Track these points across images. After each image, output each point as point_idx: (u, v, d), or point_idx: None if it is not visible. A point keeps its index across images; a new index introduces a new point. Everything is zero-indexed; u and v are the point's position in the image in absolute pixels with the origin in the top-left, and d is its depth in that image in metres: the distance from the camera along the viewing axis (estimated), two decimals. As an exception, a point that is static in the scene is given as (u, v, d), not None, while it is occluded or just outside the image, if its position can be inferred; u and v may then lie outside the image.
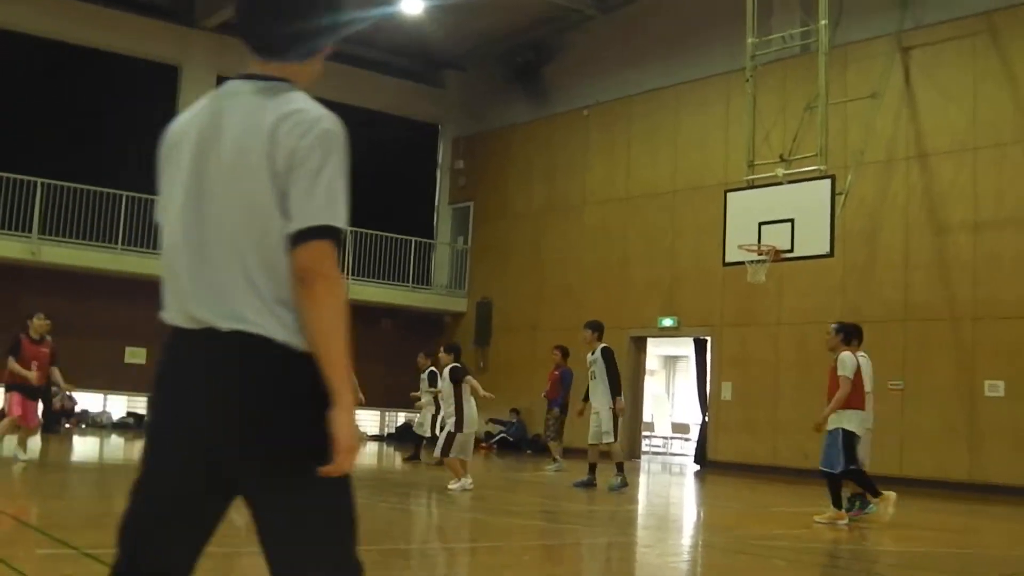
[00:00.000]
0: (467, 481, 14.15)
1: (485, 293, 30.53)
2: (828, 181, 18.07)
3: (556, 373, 20.15)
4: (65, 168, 25.34)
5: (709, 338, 24.75)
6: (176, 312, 2.99)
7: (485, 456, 23.96)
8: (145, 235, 26.35)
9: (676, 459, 29.46)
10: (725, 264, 19.38)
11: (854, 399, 12.22)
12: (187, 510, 2.99)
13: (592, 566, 8.90)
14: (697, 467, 24.31)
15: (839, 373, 12.24)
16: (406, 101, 31.76)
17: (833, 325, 13.27)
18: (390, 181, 31.07)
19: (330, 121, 3.02)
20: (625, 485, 15.75)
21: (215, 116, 3.03)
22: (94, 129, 26.66)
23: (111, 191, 25.72)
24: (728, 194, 19.58)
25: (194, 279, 2.95)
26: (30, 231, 24.74)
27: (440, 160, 33.07)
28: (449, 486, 14.02)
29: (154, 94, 28.14)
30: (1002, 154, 19.97)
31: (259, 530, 2.93)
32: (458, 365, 14.67)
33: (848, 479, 12.43)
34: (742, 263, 18.79)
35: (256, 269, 2.91)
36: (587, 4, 27.26)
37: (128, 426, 26.61)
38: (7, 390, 14.31)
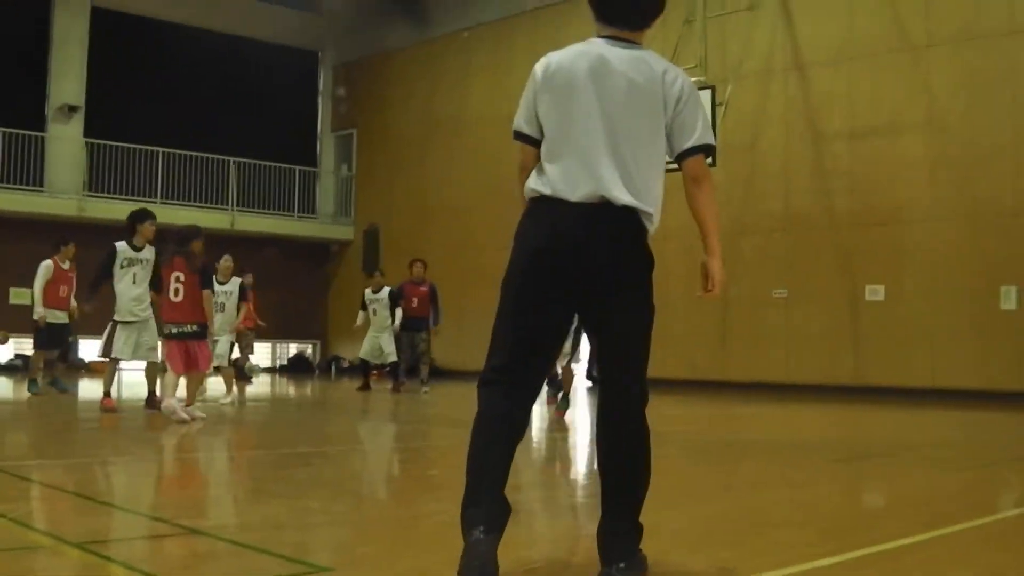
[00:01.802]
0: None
1: (372, 220, 30.47)
2: (708, 92, 18.32)
3: (424, 290, 19.36)
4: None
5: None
6: (575, 190, 4.10)
7: (376, 381, 23.98)
8: (23, 172, 25.89)
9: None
10: (609, 177, 19.52)
11: None
12: (550, 329, 4.19)
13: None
14: (589, 383, 24.46)
15: None
16: (285, 28, 31.42)
17: None
18: (271, 110, 30.91)
19: (686, 75, 4.32)
20: None
21: (601, 59, 4.19)
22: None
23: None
24: (611, 108, 19.69)
25: (600, 166, 4.09)
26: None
27: (321, 87, 32.83)
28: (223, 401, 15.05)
29: (26, 25, 27.56)
30: (877, 63, 20.36)
31: (601, 335, 4.19)
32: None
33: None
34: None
35: (641, 164, 4.13)
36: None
37: (16, 368, 26.13)
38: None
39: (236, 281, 15.95)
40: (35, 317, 16.17)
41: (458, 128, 28.12)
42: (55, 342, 16.73)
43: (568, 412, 13.48)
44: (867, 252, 20.25)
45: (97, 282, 12.99)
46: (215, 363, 15.01)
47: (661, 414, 13.47)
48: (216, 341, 14.11)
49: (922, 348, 19.39)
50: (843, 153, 20.72)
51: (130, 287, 12.91)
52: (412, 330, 19.39)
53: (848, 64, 20.71)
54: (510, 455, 4.13)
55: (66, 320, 16.60)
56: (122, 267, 12.92)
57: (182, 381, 12.20)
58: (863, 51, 20.53)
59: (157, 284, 12.63)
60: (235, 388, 16.07)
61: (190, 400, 12.13)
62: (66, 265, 16.39)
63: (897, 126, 20.04)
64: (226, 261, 15.82)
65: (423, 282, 19.35)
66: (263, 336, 25.85)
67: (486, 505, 3.98)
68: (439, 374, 25.55)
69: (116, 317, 12.94)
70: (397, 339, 19.66)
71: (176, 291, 11.97)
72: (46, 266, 16.13)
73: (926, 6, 19.85)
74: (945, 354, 19.10)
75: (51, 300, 16.15)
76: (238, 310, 16.14)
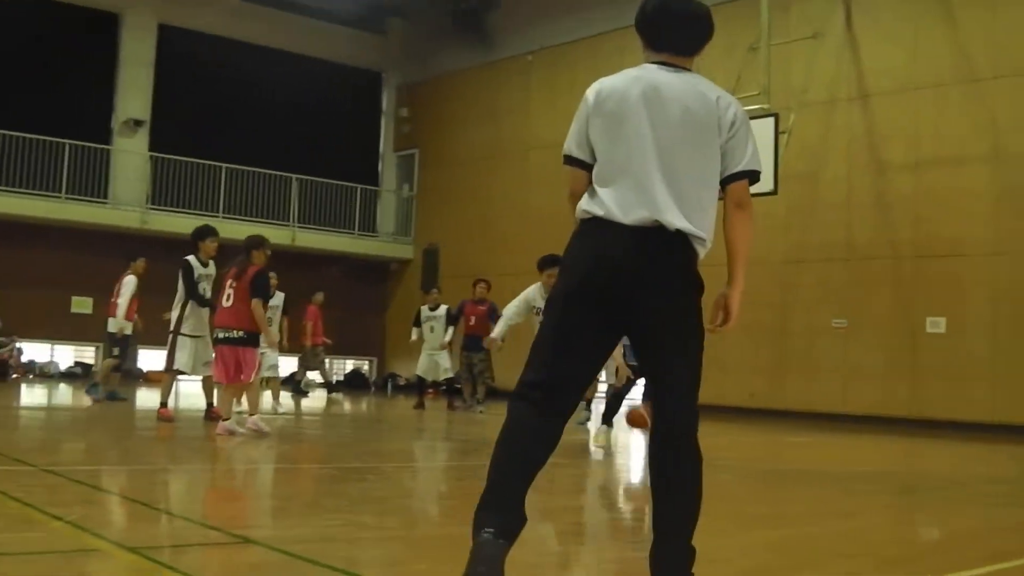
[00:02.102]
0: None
1: (431, 239, 30.59)
2: (771, 119, 18.22)
3: (483, 308, 19.22)
4: (5, 117, 25.06)
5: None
6: (628, 214, 4.10)
7: (432, 400, 24.04)
8: (89, 184, 26.19)
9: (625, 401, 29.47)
10: (670, 202, 19.48)
11: None
12: (592, 351, 4.21)
13: (540, 483, 9.05)
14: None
15: None
16: (349, 49, 31.63)
17: None
18: (335, 129, 31.10)
19: (738, 101, 4.33)
20: None
21: (653, 85, 4.22)
22: (34, 77, 26.38)
23: (53, 140, 25.50)
24: (673, 134, 19.67)
25: (654, 191, 4.10)
26: (-30, 182, 24.55)
27: (384, 107, 33.00)
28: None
29: (95, 42, 27.93)
30: (941, 94, 20.21)
31: (651, 359, 4.18)
32: None
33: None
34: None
35: (695, 189, 4.14)
36: (530, -51, 27.30)
37: (76, 376, 26.44)
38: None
39: (281, 296, 16.21)
40: (114, 329, 16.45)
41: (519, 150, 28.19)
42: (124, 353, 17.08)
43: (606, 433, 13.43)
44: (928, 284, 20.05)
45: (202, 297, 13.24)
46: (266, 374, 15.24)
47: (717, 441, 13.52)
48: (263, 354, 14.21)
49: (982, 382, 19.17)
50: (906, 184, 20.55)
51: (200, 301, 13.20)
52: (470, 350, 19.38)
53: (912, 94, 20.56)
54: (532, 470, 4.15)
55: (130, 332, 16.89)
56: (197, 282, 13.15)
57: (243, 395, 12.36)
58: (928, 82, 20.38)
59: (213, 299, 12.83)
60: (282, 395, 16.41)
61: (253, 409, 12.02)
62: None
63: (961, 158, 19.87)
64: (271, 279, 16.02)
65: (484, 302, 19.33)
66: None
67: (497, 512, 4.03)
68: (495, 394, 25.49)
69: (183, 330, 13.15)
70: (457, 358, 19.79)
71: (228, 296, 11.75)
72: (134, 281, 16.41)
73: (991, 38, 19.67)
74: (1006, 388, 18.85)
75: (127, 313, 16.48)
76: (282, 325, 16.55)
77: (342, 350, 29.98)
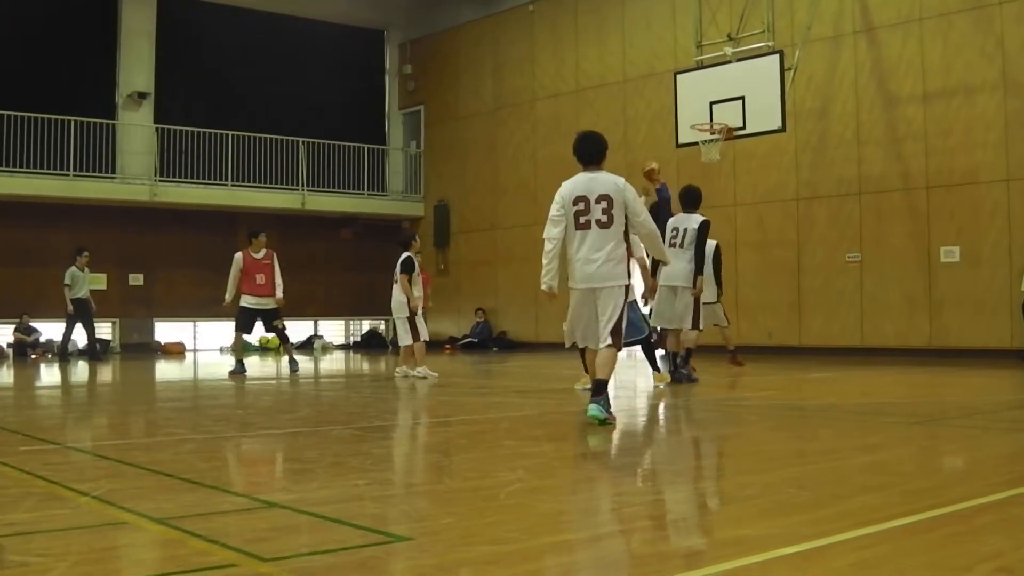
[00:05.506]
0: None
1: (441, 196, 30.58)
2: (776, 57, 18.16)
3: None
4: (10, 97, 25.03)
5: (668, 223, 24.89)
6: None
7: (450, 356, 24.12)
8: (96, 160, 26.18)
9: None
10: (678, 145, 19.45)
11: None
12: None
13: (571, 431, 9.04)
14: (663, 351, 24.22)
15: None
16: (349, 9, 31.50)
17: None
18: (339, 90, 31.10)
19: None
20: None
21: None
22: (36, 56, 26.33)
23: (59, 117, 25.47)
24: (678, 76, 19.61)
25: None
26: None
27: (388, 66, 32.89)
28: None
29: (94, 15, 27.87)
30: (948, 23, 20.07)
31: None
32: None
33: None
34: (695, 143, 18.88)
35: None
36: None
37: (93, 353, 26.43)
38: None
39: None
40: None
41: (525, 101, 28.11)
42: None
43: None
44: (942, 214, 20.02)
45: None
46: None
47: (737, 381, 13.53)
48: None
49: (1000, 309, 19.16)
50: (916, 116, 20.47)
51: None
52: None
53: (919, 25, 20.43)
54: None
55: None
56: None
57: None
58: (934, 11, 20.24)
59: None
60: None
61: None
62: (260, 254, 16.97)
63: (971, 86, 19.76)
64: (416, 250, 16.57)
65: None
66: (334, 314, 25.96)
67: None
68: (512, 346, 25.69)
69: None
70: None
71: None
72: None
73: (997, -39, 19.53)
74: (1024, 314, 18.86)
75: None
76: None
77: (358, 311, 30.05)
